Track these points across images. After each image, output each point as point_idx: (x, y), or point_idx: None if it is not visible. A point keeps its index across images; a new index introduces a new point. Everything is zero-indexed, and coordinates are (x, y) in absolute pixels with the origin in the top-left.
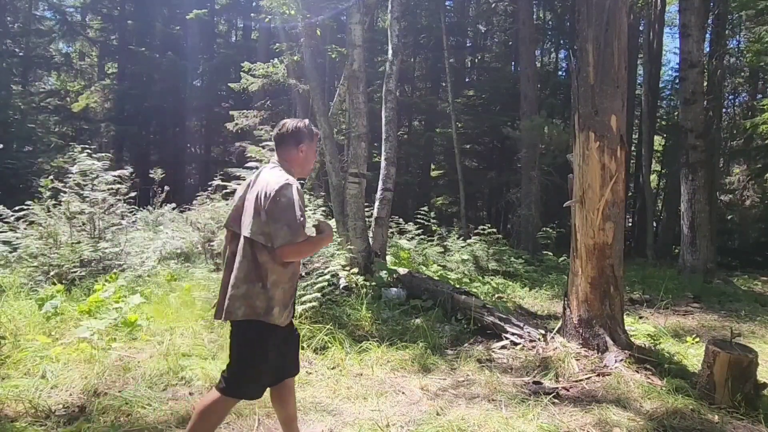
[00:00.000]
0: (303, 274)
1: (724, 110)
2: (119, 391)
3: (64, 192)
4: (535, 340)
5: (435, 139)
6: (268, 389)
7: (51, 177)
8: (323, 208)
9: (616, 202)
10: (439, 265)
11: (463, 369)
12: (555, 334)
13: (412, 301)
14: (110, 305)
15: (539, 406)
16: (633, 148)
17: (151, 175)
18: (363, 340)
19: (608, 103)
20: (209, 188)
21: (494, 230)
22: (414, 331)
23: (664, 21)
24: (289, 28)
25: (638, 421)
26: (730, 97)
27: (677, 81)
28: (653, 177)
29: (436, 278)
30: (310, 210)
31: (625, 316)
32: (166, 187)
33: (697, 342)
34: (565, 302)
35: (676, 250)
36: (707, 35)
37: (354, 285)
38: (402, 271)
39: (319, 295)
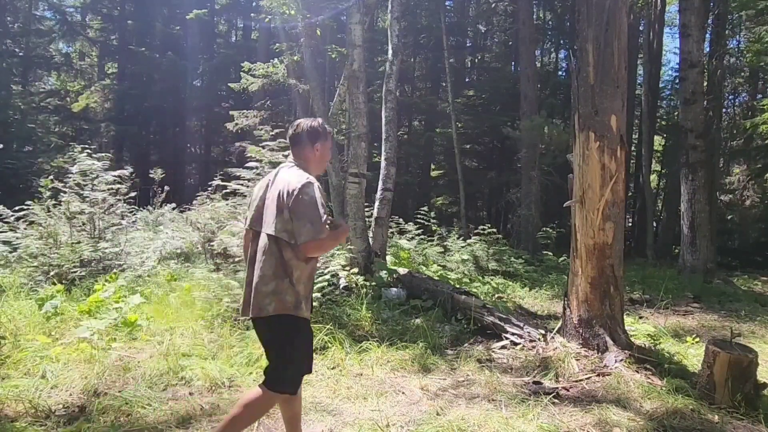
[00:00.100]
0: None
1: (724, 110)
2: (119, 391)
3: (64, 192)
4: (535, 340)
5: (435, 139)
6: None
7: (51, 177)
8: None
9: (616, 202)
10: (439, 265)
11: (463, 369)
12: (555, 334)
13: (412, 301)
14: (110, 305)
15: (539, 406)
16: (633, 148)
17: (151, 175)
18: (363, 340)
19: (608, 103)
20: (209, 188)
21: (494, 230)
22: (414, 331)
23: (664, 21)
24: (289, 28)
25: (638, 421)
26: (730, 97)
27: (677, 81)
28: (653, 177)
29: (436, 278)
30: None
31: (625, 316)
32: (166, 187)
33: (697, 342)
34: (565, 302)
35: (676, 250)
36: (707, 35)
37: (354, 285)
38: (402, 271)
39: (319, 295)
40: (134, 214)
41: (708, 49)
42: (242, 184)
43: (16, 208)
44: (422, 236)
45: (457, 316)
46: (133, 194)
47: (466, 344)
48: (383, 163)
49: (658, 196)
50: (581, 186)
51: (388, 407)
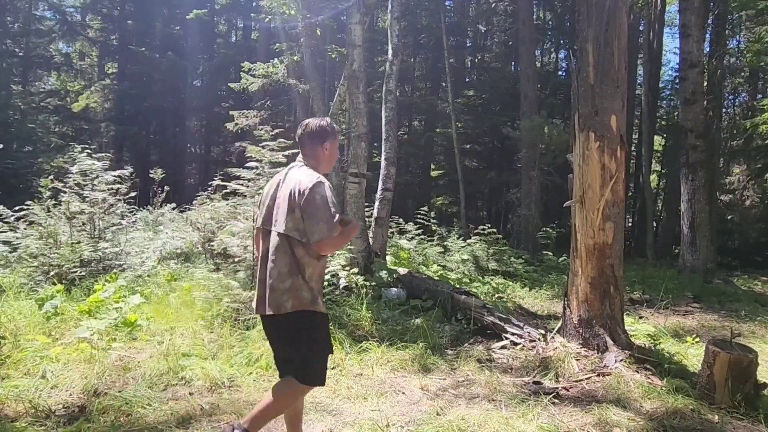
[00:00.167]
0: None
1: (724, 110)
2: (119, 391)
3: (64, 192)
4: (535, 340)
5: (435, 139)
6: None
7: (51, 177)
8: None
9: (616, 202)
10: (439, 265)
11: (463, 369)
12: (555, 334)
13: (412, 301)
14: (110, 305)
15: (539, 406)
16: (633, 148)
17: (151, 175)
18: (363, 340)
19: (608, 103)
20: (209, 188)
21: (494, 230)
22: (414, 331)
23: (664, 21)
24: (289, 28)
25: (638, 421)
26: (730, 97)
27: (677, 81)
28: (653, 177)
29: (436, 278)
30: None
31: (625, 316)
32: (166, 187)
33: (697, 342)
34: (565, 302)
35: (676, 250)
36: (707, 35)
37: (354, 285)
38: (402, 271)
39: None
40: (134, 214)
41: (708, 49)
42: (242, 184)
43: (16, 208)
44: (422, 236)
45: (457, 316)
46: (133, 194)
47: (466, 344)
48: (383, 163)
49: (658, 196)
50: (581, 186)
51: (388, 407)
